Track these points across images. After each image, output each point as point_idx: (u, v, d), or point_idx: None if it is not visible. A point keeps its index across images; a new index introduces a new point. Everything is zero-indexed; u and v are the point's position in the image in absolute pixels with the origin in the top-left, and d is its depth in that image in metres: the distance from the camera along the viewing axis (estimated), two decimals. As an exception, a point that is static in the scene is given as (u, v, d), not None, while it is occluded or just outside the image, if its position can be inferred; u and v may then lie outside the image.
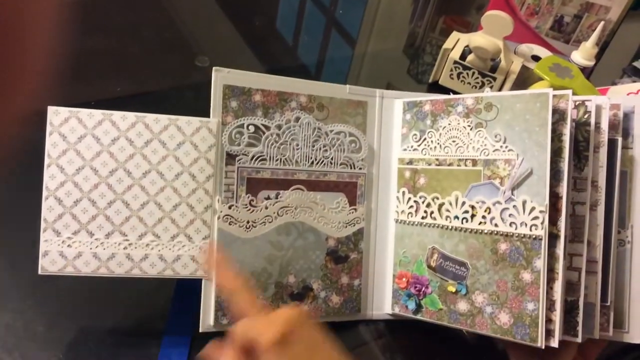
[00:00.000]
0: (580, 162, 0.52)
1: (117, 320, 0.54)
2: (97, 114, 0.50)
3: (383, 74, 0.94)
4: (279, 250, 0.56)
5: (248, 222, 0.54)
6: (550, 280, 0.50)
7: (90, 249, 0.49)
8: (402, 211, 0.60)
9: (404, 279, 0.59)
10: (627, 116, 0.54)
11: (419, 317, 0.57)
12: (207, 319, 0.52)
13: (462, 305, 0.54)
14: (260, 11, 1.01)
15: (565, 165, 0.50)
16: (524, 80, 0.81)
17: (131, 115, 0.51)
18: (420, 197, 0.59)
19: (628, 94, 0.85)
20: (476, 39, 0.79)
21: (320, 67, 0.94)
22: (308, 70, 0.92)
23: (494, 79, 0.82)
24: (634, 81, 0.92)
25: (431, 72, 0.89)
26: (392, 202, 0.62)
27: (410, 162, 0.61)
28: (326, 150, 0.59)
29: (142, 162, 0.51)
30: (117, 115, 0.51)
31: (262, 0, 1.05)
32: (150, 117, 0.52)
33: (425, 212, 0.58)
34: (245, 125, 0.55)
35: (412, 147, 0.61)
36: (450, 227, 0.56)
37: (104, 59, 0.77)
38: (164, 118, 0.52)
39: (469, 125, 0.56)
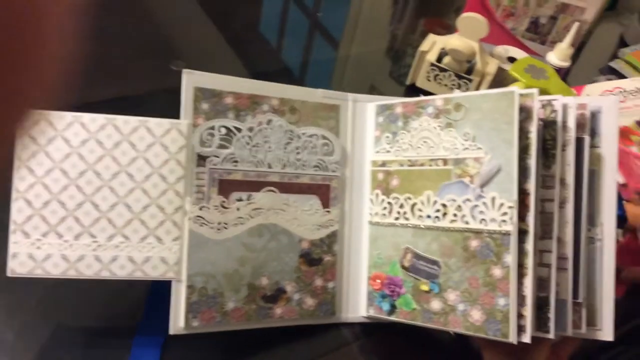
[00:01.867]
0: (548, 160, 0.55)
1: (88, 322, 0.56)
2: (67, 116, 0.53)
3: (366, 76, 0.98)
4: (252, 252, 0.58)
5: (219, 223, 0.57)
6: (521, 275, 0.53)
7: (60, 250, 0.51)
8: (376, 213, 0.63)
9: (378, 281, 0.62)
10: (595, 115, 0.58)
11: (393, 318, 0.60)
12: (178, 321, 0.54)
13: (435, 304, 0.57)
14: (243, 15, 1.04)
15: (532, 162, 0.53)
16: (500, 81, 0.85)
17: (101, 117, 0.54)
18: (393, 198, 0.62)
19: (603, 92, 0.89)
20: (452, 41, 0.83)
21: (304, 70, 0.97)
22: (292, 73, 0.95)
23: (470, 80, 0.85)
24: (609, 79, 0.96)
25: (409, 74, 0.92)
26: (365, 204, 0.65)
27: (383, 164, 0.64)
28: (299, 153, 0.62)
29: (112, 164, 0.53)
30: (86, 117, 0.53)
31: (244, 4, 1.08)
32: (120, 119, 0.54)
33: (399, 212, 0.61)
34: (216, 127, 0.58)
35: (384, 149, 0.64)
36: (422, 227, 0.59)
37: (77, 64, 0.80)
38: (133, 120, 0.54)
39: (439, 126, 0.59)
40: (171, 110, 0.58)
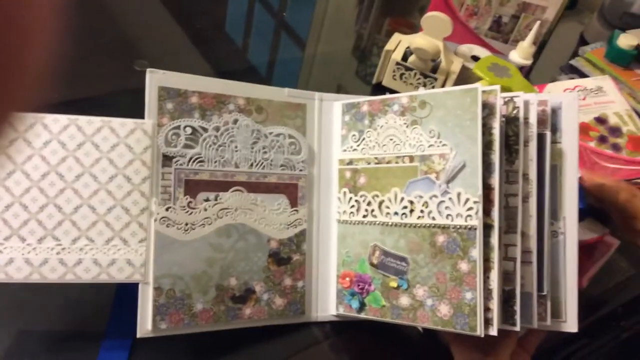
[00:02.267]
0: (511, 156, 0.57)
1: (53, 325, 0.55)
2: (29, 117, 0.52)
3: (333, 76, 0.98)
4: (220, 253, 0.58)
5: (186, 224, 0.57)
6: (487, 269, 0.54)
7: (22, 254, 0.51)
8: (344, 211, 0.64)
9: (347, 279, 0.62)
10: (555, 112, 0.60)
11: (362, 315, 0.61)
12: (145, 324, 0.54)
13: (404, 300, 0.58)
14: (208, 13, 1.04)
15: (496, 158, 0.55)
16: (465, 80, 0.86)
17: (63, 118, 0.53)
18: (361, 196, 0.62)
19: (565, 90, 0.92)
20: (416, 40, 0.84)
21: (270, 70, 0.98)
22: (258, 72, 0.95)
23: (435, 79, 0.87)
24: (571, 78, 0.99)
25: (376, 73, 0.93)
26: (333, 202, 0.65)
27: (351, 162, 0.64)
28: (266, 152, 0.62)
29: (75, 165, 0.53)
30: (49, 118, 0.53)
31: (209, 4, 1.07)
32: (83, 119, 0.54)
33: (366, 210, 0.62)
34: (181, 127, 0.58)
35: (351, 147, 0.65)
36: (390, 224, 0.60)
37: (59, 64, 0.78)
38: (97, 120, 0.54)
39: (405, 123, 0.60)
40: (135, 111, 0.57)
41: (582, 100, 0.92)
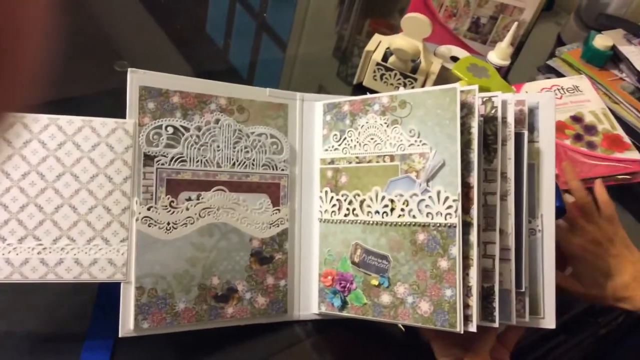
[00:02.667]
0: (490, 155, 0.58)
1: (34, 327, 0.55)
2: (8, 117, 0.52)
3: (314, 77, 0.99)
4: (202, 252, 0.58)
5: (168, 223, 0.57)
6: (466, 266, 0.55)
7: (3, 254, 0.51)
8: (326, 210, 0.65)
9: (329, 277, 0.63)
10: (532, 111, 0.61)
11: (344, 313, 0.61)
12: (127, 323, 0.54)
13: (385, 298, 0.59)
14: (189, 14, 1.04)
15: (475, 156, 0.56)
16: (444, 80, 0.87)
17: (44, 118, 0.53)
18: (342, 195, 0.63)
19: (542, 90, 0.94)
20: (396, 41, 0.85)
21: (251, 71, 0.98)
22: (239, 73, 0.96)
23: (415, 79, 0.88)
24: (548, 78, 1.00)
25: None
26: (315, 201, 0.66)
27: (332, 161, 0.65)
28: (248, 152, 0.62)
29: (56, 165, 0.53)
30: (29, 117, 0.52)
31: (190, 4, 1.07)
32: (63, 119, 0.54)
33: (348, 209, 0.62)
34: (163, 127, 0.58)
35: (333, 147, 0.65)
36: (371, 222, 0.60)
37: (33, 66, 0.78)
38: (77, 119, 0.54)
39: (385, 123, 0.61)
40: (116, 111, 0.57)
41: (558, 99, 0.94)
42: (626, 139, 0.90)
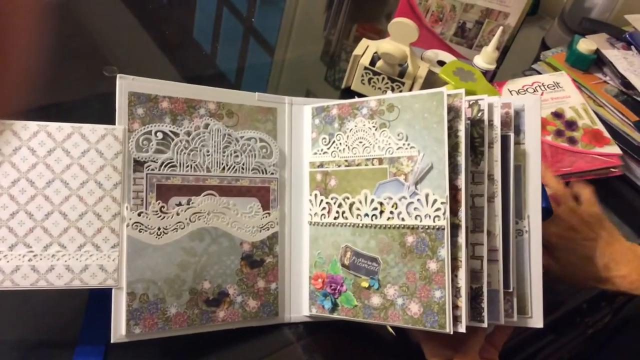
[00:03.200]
0: (477, 157, 0.59)
1: (25, 333, 0.55)
2: (-3, 123, 0.52)
3: (302, 81, 1.00)
4: (193, 257, 0.59)
5: (159, 228, 0.57)
6: (455, 268, 0.56)
7: (-7, 261, 0.50)
8: (315, 213, 0.65)
9: (319, 280, 0.63)
10: (518, 114, 0.62)
11: (335, 315, 0.62)
12: (119, 329, 0.54)
13: (375, 300, 0.59)
14: (176, 20, 1.04)
15: (462, 159, 0.56)
16: (431, 84, 0.88)
17: (33, 125, 0.53)
18: (332, 198, 0.64)
19: (523, 87, 0.95)
20: (384, 45, 0.86)
21: (239, 75, 0.98)
22: (227, 78, 0.96)
23: (403, 83, 0.89)
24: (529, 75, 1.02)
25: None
26: (305, 205, 0.66)
27: (321, 165, 0.66)
28: (237, 156, 0.63)
29: (46, 172, 0.53)
30: (18, 124, 0.52)
31: (177, 9, 1.08)
32: (53, 126, 0.54)
33: (337, 212, 0.63)
34: (152, 132, 0.58)
35: (322, 150, 0.66)
36: (361, 225, 0.61)
37: (19, 71, 0.78)
38: (67, 126, 0.54)
39: (373, 126, 0.62)
40: (104, 117, 0.57)
41: (539, 95, 0.96)
42: (606, 133, 0.92)
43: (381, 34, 1.14)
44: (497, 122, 0.59)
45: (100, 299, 0.57)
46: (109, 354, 0.56)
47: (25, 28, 0.22)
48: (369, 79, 0.91)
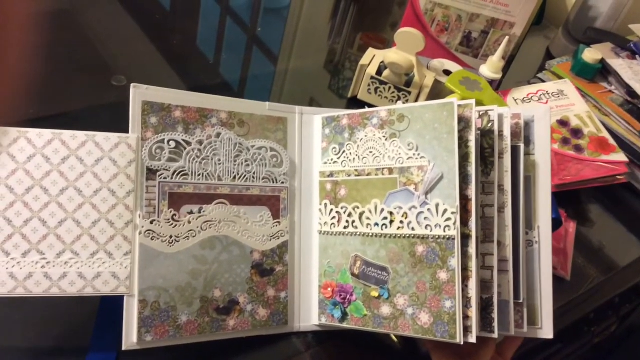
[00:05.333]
0: (487, 168, 0.59)
1: (37, 340, 0.55)
2: (12, 131, 0.52)
3: (305, 90, 1.00)
4: (204, 265, 0.59)
5: (171, 237, 0.57)
6: (465, 278, 0.56)
7: (7, 269, 0.51)
8: (325, 222, 0.65)
9: (329, 289, 0.63)
10: (528, 125, 0.62)
11: (344, 325, 0.62)
12: (130, 337, 0.54)
13: (385, 309, 0.59)
14: (180, 30, 1.04)
15: (472, 169, 0.57)
16: (437, 93, 0.89)
17: (47, 132, 0.53)
18: (342, 208, 0.64)
19: (528, 95, 0.96)
20: (390, 55, 0.87)
21: (243, 84, 0.99)
22: (231, 87, 0.96)
23: (409, 93, 0.89)
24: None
25: (351, 87, 0.95)
26: (315, 214, 0.67)
27: (331, 174, 0.66)
28: (248, 165, 0.63)
29: (59, 179, 0.53)
30: (32, 132, 0.53)
31: (181, 19, 1.08)
32: (67, 134, 0.54)
33: (347, 221, 0.63)
34: (165, 141, 0.58)
35: (332, 160, 0.66)
36: (371, 235, 0.61)
37: (15, 80, 0.78)
38: (81, 134, 0.55)
39: (384, 136, 0.62)
40: (113, 126, 0.58)
41: (544, 103, 0.96)
42: (611, 141, 0.92)
43: (385, 43, 1.15)
44: (507, 132, 0.60)
45: (111, 306, 0.57)
46: (121, 362, 0.56)
47: (16, 41, 0.22)
48: (376, 89, 0.92)
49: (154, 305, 0.56)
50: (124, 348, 0.54)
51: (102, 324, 0.57)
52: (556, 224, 0.64)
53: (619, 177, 0.90)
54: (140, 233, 0.56)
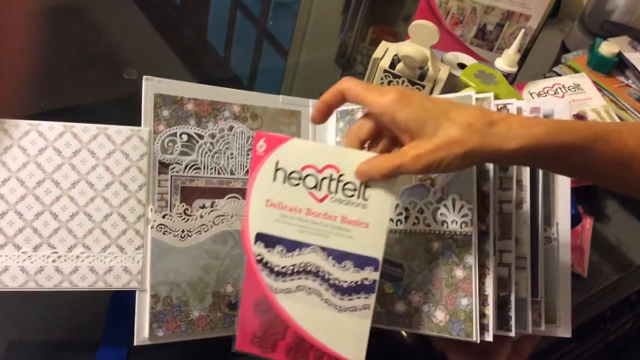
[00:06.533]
0: (505, 162, 0.58)
1: (48, 335, 0.55)
2: (24, 124, 0.51)
3: (316, 84, 0.99)
4: (216, 260, 0.58)
5: (183, 231, 0.56)
6: (482, 275, 0.55)
7: (18, 262, 0.50)
8: (338, 217, 0.64)
9: (342, 285, 0.62)
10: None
11: (358, 321, 0.61)
12: (142, 332, 0.54)
13: (399, 306, 0.58)
14: (190, 23, 1.04)
15: (490, 165, 0.55)
16: (451, 87, 0.87)
17: (59, 125, 0.53)
18: (355, 202, 0.63)
19: (544, 89, 0.94)
20: (404, 48, 0.85)
21: (253, 78, 0.98)
22: (241, 81, 0.95)
23: (423, 86, 0.88)
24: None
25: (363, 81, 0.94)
26: (327, 208, 0.65)
27: (345, 168, 0.65)
28: (260, 159, 0.62)
29: (71, 172, 0.52)
30: (44, 125, 0.52)
31: (191, 12, 1.07)
32: (78, 127, 0.53)
33: (361, 216, 0.62)
34: (178, 134, 0.57)
35: (345, 153, 0.65)
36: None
37: (27, 74, 0.78)
38: (92, 127, 0.54)
39: (399, 130, 0.61)
40: (124, 119, 0.57)
41: (560, 97, 0.94)
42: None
43: (398, 36, 1.13)
44: (525, 127, 0.58)
45: (122, 301, 0.56)
46: (132, 357, 0.55)
47: (16, 32, 0.22)
48: (389, 82, 0.90)
49: (166, 300, 0.55)
50: (135, 343, 0.53)
51: (113, 319, 0.56)
52: (575, 220, 0.63)
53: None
54: (152, 227, 0.55)
